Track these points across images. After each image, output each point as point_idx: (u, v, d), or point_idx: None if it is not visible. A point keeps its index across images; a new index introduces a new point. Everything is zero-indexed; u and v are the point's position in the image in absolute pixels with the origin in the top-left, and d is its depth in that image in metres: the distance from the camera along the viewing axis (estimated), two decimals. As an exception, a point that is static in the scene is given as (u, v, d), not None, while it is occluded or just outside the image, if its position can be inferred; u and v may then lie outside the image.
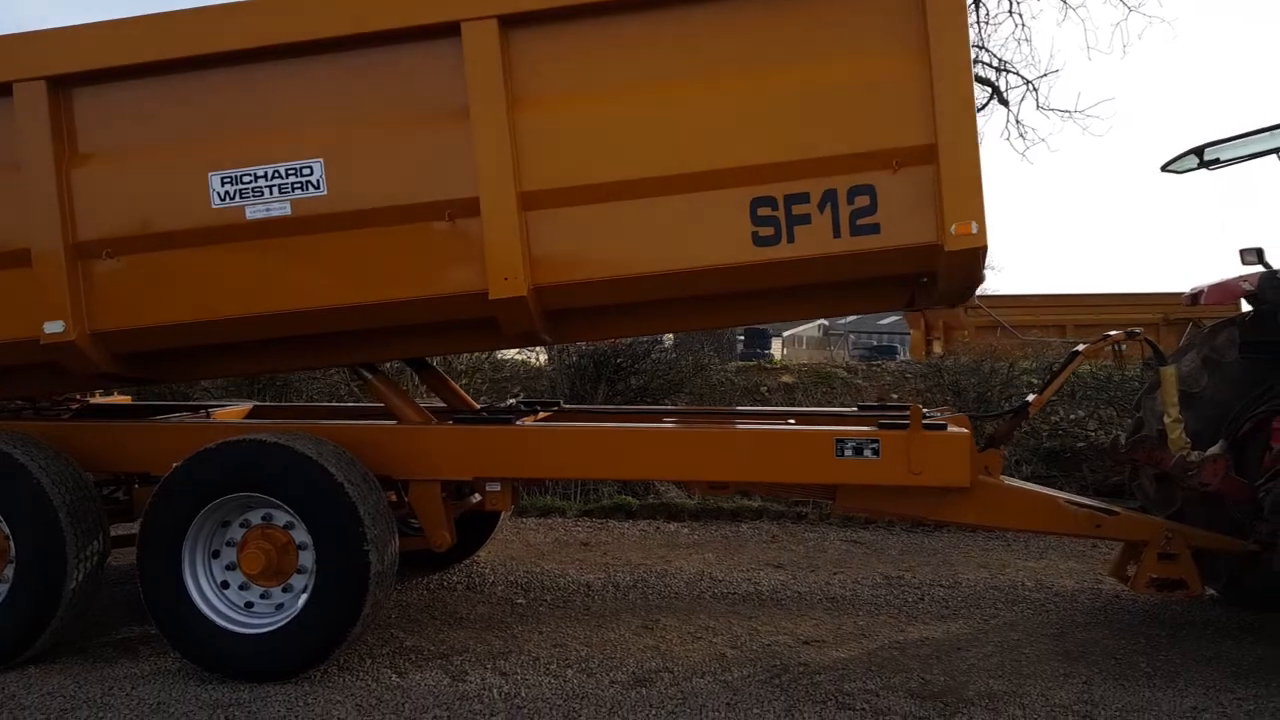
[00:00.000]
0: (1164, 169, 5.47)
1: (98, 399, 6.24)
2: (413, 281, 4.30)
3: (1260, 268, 5.13)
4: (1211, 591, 5.20)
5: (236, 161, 4.31)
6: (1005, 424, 4.99)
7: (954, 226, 3.87)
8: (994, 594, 5.76)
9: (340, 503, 4.27)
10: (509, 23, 4.09)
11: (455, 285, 4.28)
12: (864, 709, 4.00)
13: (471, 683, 4.35)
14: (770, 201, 4.03)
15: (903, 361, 13.93)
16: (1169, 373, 4.75)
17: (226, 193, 4.34)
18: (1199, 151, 5.20)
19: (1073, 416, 9.38)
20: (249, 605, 4.49)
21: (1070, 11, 13.67)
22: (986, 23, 14.45)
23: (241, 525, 4.50)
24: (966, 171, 3.88)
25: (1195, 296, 5.36)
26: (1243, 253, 5.23)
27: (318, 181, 4.27)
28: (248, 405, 6.00)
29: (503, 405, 5.38)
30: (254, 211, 4.31)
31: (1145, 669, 4.49)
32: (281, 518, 4.46)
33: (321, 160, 4.26)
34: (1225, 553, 4.77)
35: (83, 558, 4.57)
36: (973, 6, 14.19)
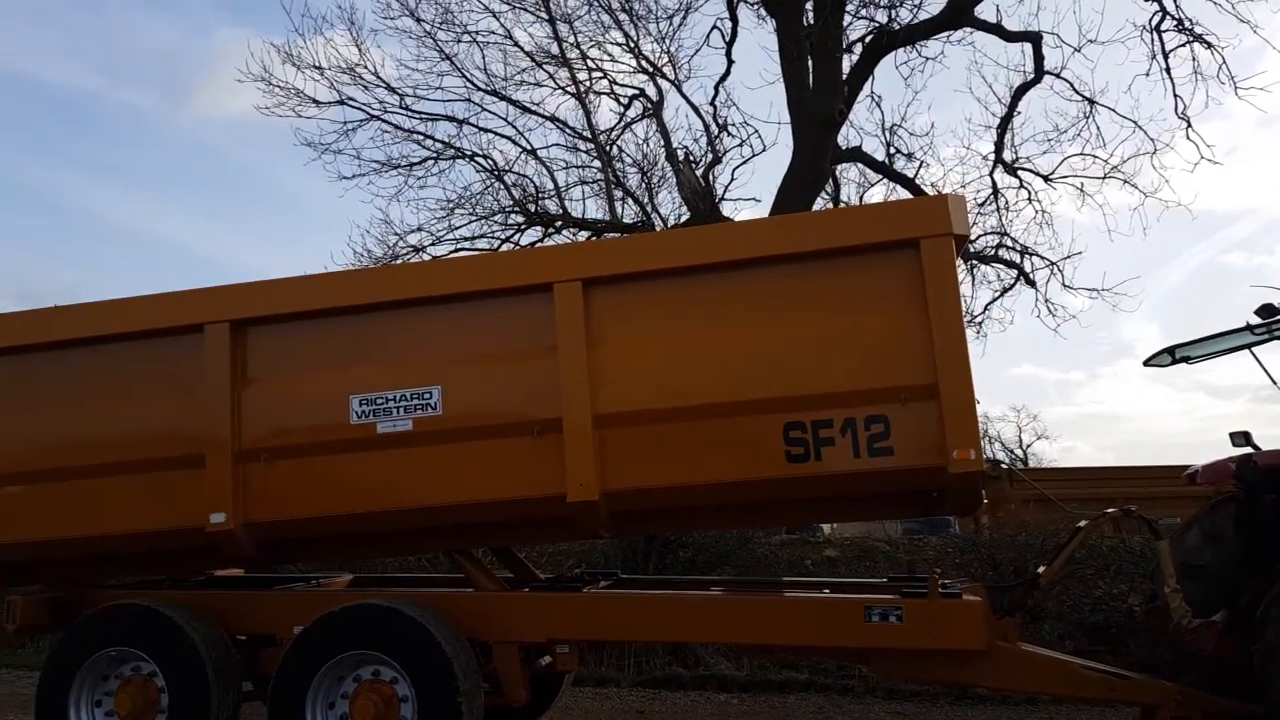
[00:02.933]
0: (1145, 364, 6.30)
1: (218, 572, 7.21)
2: (506, 484, 5.25)
3: (1248, 449, 5.81)
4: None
5: (373, 387, 5.39)
6: (1018, 594, 5.60)
7: (955, 452, 4.71)
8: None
9: (438, 658, 5.08)
10: (590, 283, 5.21)
11: (539, 488, 5.19)
12: None
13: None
14: (800, 425, 4.93)
15: (945, 536, 14.36)
16: (1164, 547, 5.38)
17: (363, 411, 5.41)
18: (1171, 351, 6.03)
19: (1115, 591, 9.70)
20: (358, 752, 5.24)
21: (1087, 198, 14.55)
22: (1008, 209, 15.54)
23: (354, 680, 5.31)
24: (963, 406, 4.76)
25: (1192, 476, 6.03)
26: (1232, 435, 5.95)
27: (435, 404, 5.33)
28: (348, 576, 6.92)
29: (569, 575, 6.20)
30: (384, 427, 5.37)
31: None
32: (388, 673, 5.26)
33: (440, 387, 5.33)
34: (1235, 717, 5.20)
35: (223, 707, 5.40)
36: (992, 196, 15.31)
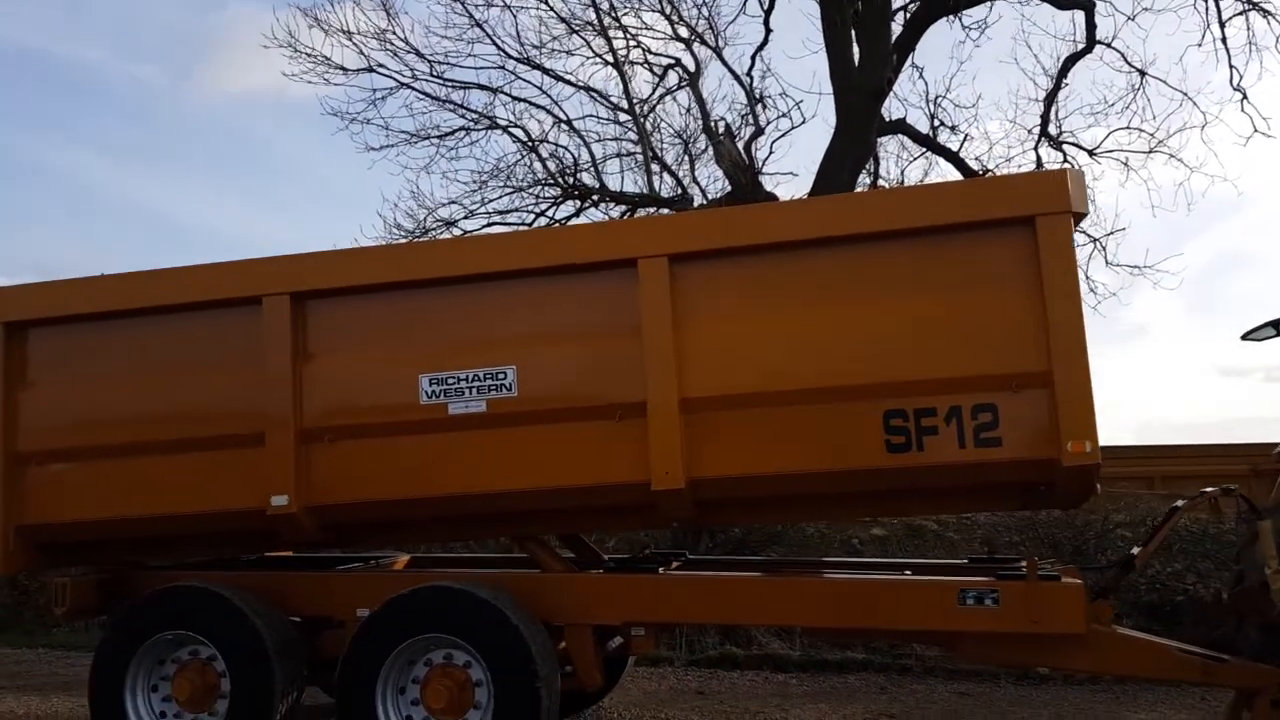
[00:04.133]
0: (1244, 338, 6.03)
1: (270, 553, 6.99)
2: (585, 470, 5.01)
3: None
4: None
5: (443, 366, 5.14)
6: (1112, 575, 5.39)
7: (1069, 444, 4.46)
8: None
9: (515, 642, 4.86)
10: (678, 259, 4.93)
11: (619, 475, 4.95)
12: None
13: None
14: (901, 414, 4.67)
15: (997, 515, 14.15)
16: (1266, 526, 5.15)
17: (433, 391, 5.16)
18: (1276, 324, 5.76)
19: (1170, 570, 9.53)
20: (430, 739, 5.04)
21: (1131, 173, 14.07)
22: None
23: (425, 664, 5.09)
24: (1080, 395, 4.49)
25: None
26: None
27: (510, 385, 5.08)
28: (405, 556, 6.69)
29: (640, 556, 5.97)
30: (455, 408, 5.12)
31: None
32: (461, 657, 5.06)
33: (515, 367, 5.08)
34: None
35: (288, 692, 5.20)
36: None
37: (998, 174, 13.72)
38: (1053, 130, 14.69)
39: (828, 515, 5.53)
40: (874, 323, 4.77)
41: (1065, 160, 14.52)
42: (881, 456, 4.69)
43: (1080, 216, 4.68)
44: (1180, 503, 5.53)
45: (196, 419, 5.42)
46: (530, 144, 14.48)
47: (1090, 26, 13.69)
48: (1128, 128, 14.33)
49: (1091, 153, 14.77)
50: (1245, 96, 13.08)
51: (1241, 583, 5.78)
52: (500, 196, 14.80)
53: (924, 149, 14.90)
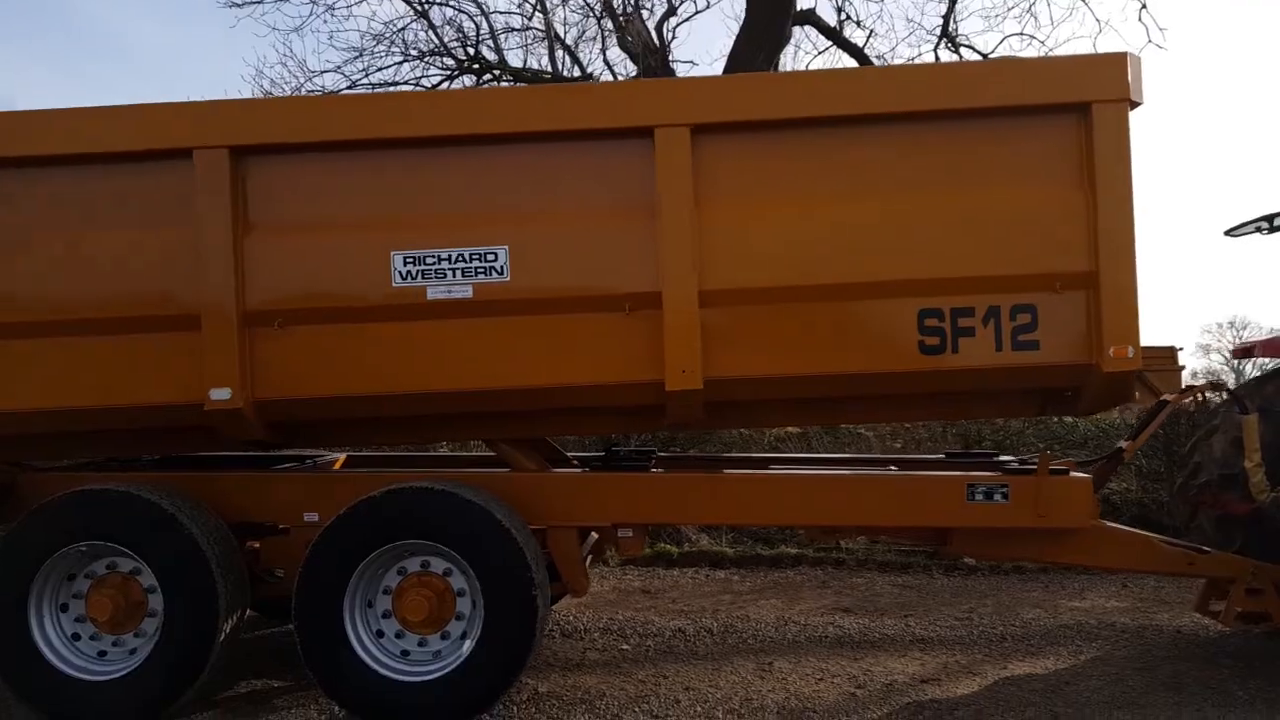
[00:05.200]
0: (1228, 234, 6.02)
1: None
2: (586, 368, 4.49)
3: None
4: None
5: (421, 243, 4.46)
6: (1102, 468, 5.35)
7: (1112, 349, 4.29)
8: (1065, 632, 6.10)
9: (509, 548, 4.37)
10: (701, 130, 4.37)
11: (626, 374, 4.48)
12: (1021, 740, 4.22)
13: (636, 728, 4.44)
14: (937, 313, 4.38)
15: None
16: (1251, 420, 5.19)
17: (409, 272, 4.47)
18: (1261, 220, 5.74)
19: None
20: (405, 654, 4.52)
21: None
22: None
23: (398, 574, 4.53)
24: (1125, 297, 4.32)
25: (1248, 350, 5.85)
26: None
27: (501, 268, 4.45)
28: (341, 456, 6.00)
29: (621, 451, 5.51)
30: (435, 292, 4.46)
31: (1243, 696, 4.87)
32: (439, 565, 4.52)
33: (507, 247, 4.45)
34: None
35: (232, 611, 4.53)
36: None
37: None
38: (952, 31, 14.59)
39: (844, 419, 5.21)
40: (913, 214, 4.41)
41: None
42: (914, 359, 4.41)
43: (1136, 106, 4.39)
44: (1169, 396, 5.51)
45: (117, 296, 4.54)
46: (421, 7, 13.14)
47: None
48: (1020, 34, 14.36)
49: (985, 57, 14.78)
50: (1145, 6, 13.26)
51: (1196, 476, 5.88)
52: (390, 65, 13.47)
53: (830, 43, 14.53)
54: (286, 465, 5.46)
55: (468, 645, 4.44)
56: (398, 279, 4.47)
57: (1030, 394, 4.82)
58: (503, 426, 4.95)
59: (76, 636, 4.64)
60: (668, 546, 8.38)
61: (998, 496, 4.73)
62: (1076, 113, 4.35)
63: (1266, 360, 5.84)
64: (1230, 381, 6.04)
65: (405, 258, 4.47)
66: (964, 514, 4.76)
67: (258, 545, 5.06)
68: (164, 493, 4.59)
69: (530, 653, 4.40)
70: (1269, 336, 5.89)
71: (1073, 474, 4.84)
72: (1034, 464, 5.06)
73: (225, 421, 4.56)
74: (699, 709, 4.70)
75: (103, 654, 4.64)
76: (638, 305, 4.43)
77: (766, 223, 4.44)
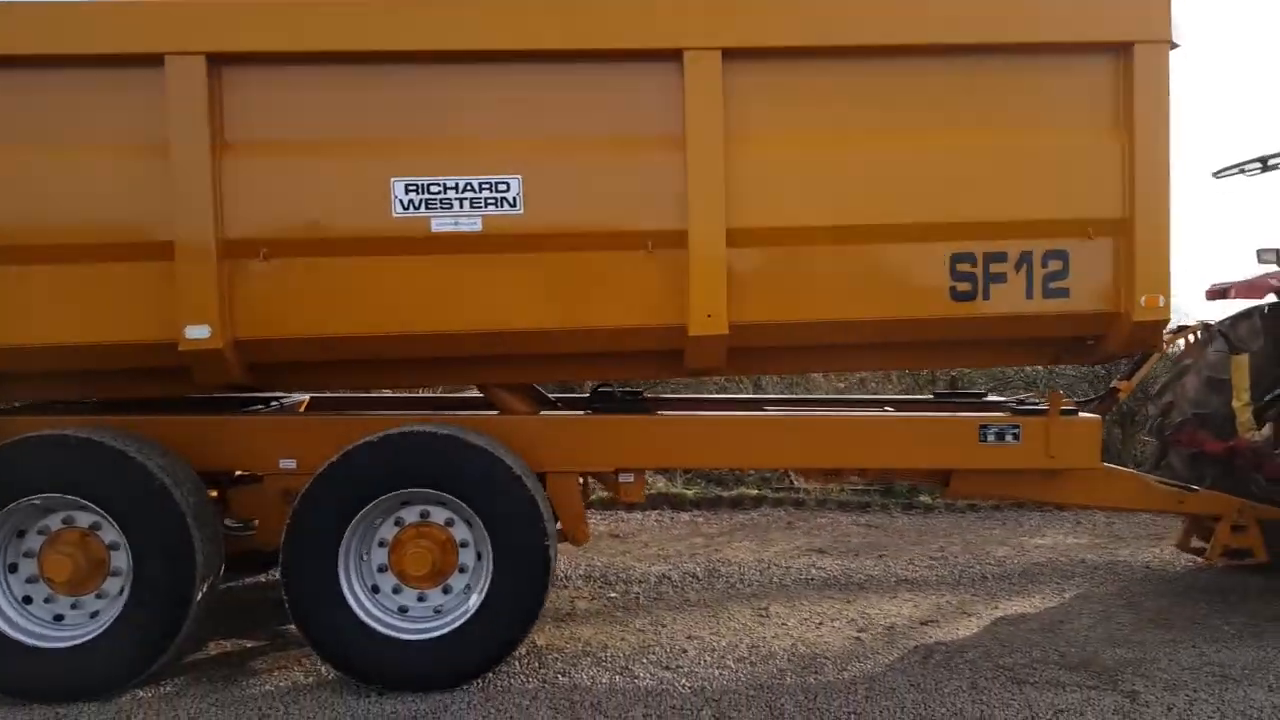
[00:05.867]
0: (1215, 176, 6.05)
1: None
2: (603, 311, 4.21)
3: (1275, 266, 5.79)
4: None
5: (425, 169, 4.06)
6: (1098, 409, 5.35)
7: (1144, 298, 4.24)
8: (1041, 570, 6.20)
9: (521, 495, 4.12)
10: (732, 54, 4.08)
11: (648, 317, 4.21)
12: (1038, 682, 4.28)
13: (646, 680, 4.29)
14: (970, 258, 4.25)
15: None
16: (1241, 361, 5.26)
17: (411, 201, 4.08)
18: (1264, 160, 5.77)
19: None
20: (403, 610, 4.22)
21: None
22: None
23: (395, 524, 4.21)
24: (1158, 247, 4.26)
25: (1223, 291, 5.93)
26: (1261, 252, 5.88)
27: (514, 199, 4.09)
28: (305, 397, 5.56)
29: (616, 392, 5.23)
30: (441, 224, 4.08)
31: (1230, 631, 5.01)
32: (441, 514, 4.23)
33: (520, 177, 4.09)
34: None
35: (210, 571, 4.14)
36: None
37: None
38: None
39: (870, 364, 5.05)
40: (948, 153, 4.24)
41: None
42: (945, 305, 4.29)
43: (1175, 48, 4.30)
44: (1166, 335, 5.54)
45: (79, 221, 4.01)
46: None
47: None
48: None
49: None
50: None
51: (1168, 415, 5.97)
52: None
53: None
54: (254, 409, 5.01)
55: (474, 599, 4.16)
56: (398, 208, 4.07)
57: (1048, 341, 4.73)
58: (506, 371, 4.64)
59: (28, 599, 4.18)
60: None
61: (1009, 438, 4.67)
62: (1117, 53, 4.24)
63: (1242, 301, 5.92)
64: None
65: (407, 185, 4.06)
66: (976, 455, 4.69)
67: (214, 494, 4.63)
68: (130, 438, 4.13)
69: (541, 607, 4.16)
70: (1244, 279, 5.97)
71: (1083, 415, 4.80)
72: (1031, 404, 5.03)
73: (201, 362, 4.12)
74: (708, 658, 4.56)
75: (59, 618, 4.19)
76: (660, 244, 4.15)
77: (798, 159, 4.20)
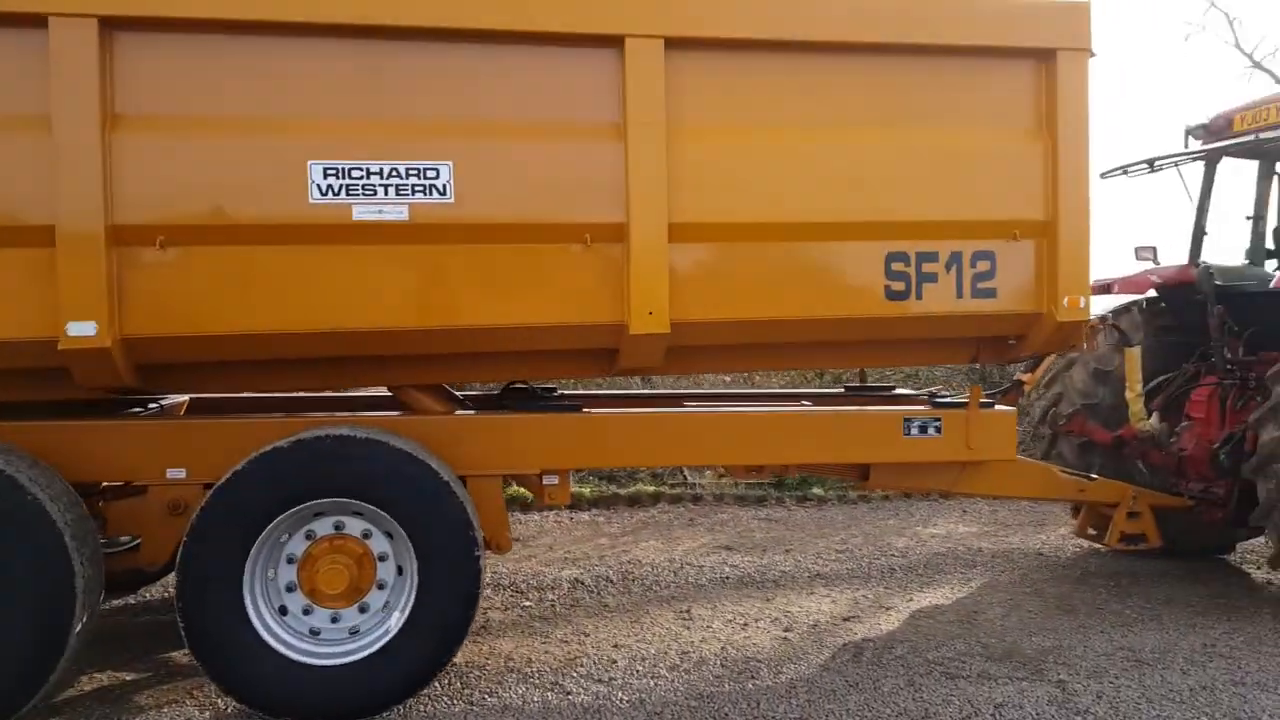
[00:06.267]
0: (1102, 177, 6.28)
1: None
2: (537, 307, 3.95)
3: (1152, 263, 6.10)
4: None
5: (346, 152, 3.70)
6: (1004, 400, 5.45)
7: (1066, 299, 4.31)
8: (943, 560, 6.34)
9: (450, 503, 3.82)
10: (674, 44, 3.91)
11: (585, 314, 3.98)
12: (970, 675, 4.35)
13: (581, 696, 4.10)
14: (904, 257, 4.22)
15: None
16: (1134, 353, 5.46)
17: (329, 186, 3.70)
18: (1151, 161, 6.01)
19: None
20: (315, 633, 3.85)
21: None
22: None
23: (306, 538, 3.83)
24: (1080, 249, 4.35)
25: (1106, 287, 6.18)
26: (1139, 250, 6.16)
27: (444, 187, 3.78)
28: (185, 398, 5.04)
29: (527, 388, 4.95)
30: (363, 212, 3.72)
31: (1130, 615, 5.22)
32: (356, 526, 3.88)
33: (451, 163, 3.77)
34: (1170, 509, 5.55)
35: (90, 595, 3.65)
36: None
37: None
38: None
39: (798, 364, 4.93)
40: (884, 151, 4.20)
41: None
42: (880, 304, 4.25)
43: (1092, 56, 4.40)
44: None
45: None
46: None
47: None
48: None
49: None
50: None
51: (1058, 404, 6.19)
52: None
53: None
54: (134, 412, 4.49)
55: (396, 618, 3.82)
56: (316, 194, 3.68)
57: (972, 341, 4.76)
58: (424, 371, 4.30)
59: None
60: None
61: (931, 430, 4.68)
62: (1040, 59, 4.30)
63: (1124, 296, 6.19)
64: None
65: (326, 169, 3.68)
66: (901, 449, 4.69)
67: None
68: (-5, 450, 3.60)
69: (470, 623, 3.87)
70: (1126, 275, 6.24)
71: (999, 407, 4.87)
72: (945, 397, 5.07)
73: (84, 363, 3.62)
74: (640, 668, 4.39)
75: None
76: (599, 237, 3.94)
77: (740, 153, 4.07)
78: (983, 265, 4.32)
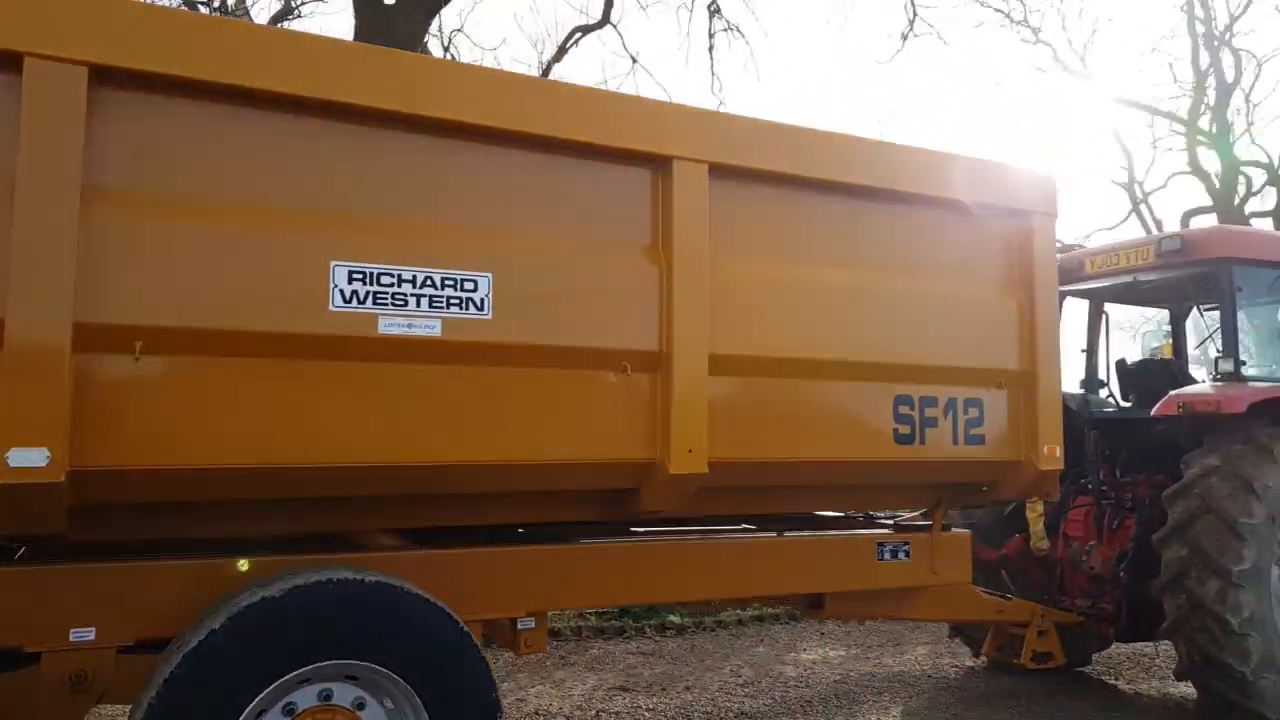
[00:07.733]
0: None
1: None
2: (570, 440, 3.55)
3: None
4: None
5: (374, 254, 3.22)
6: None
7: (1045, 448, 4.50)
8: (849, 689, 6.38)
9: (473, 658, 3.26)
10: (718, 172, 3.83)
11: (614, 450, 3.63)
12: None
13: None
14: (909, 401, 4.27)
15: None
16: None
17: (354, 293, 3.17)
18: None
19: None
20: (290, 834, 3.07)
21: None
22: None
23: (284, 713, 3.08)
24: (1054, 399, 4.61)
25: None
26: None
27: (481, 301, 3.36)
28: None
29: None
30: (390, 325, 3.20)
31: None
32: (347, 694, 3.18)
33: (491, 275, 3.37)
34: (1065, 624, 5.83)
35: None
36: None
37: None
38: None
39: (806, 506, 4.73)
40: (899, 295, 4.29)
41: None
42: (890, 448, 4.24)
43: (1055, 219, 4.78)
44: None
45: None
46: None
47: (607, 6, 13.88)
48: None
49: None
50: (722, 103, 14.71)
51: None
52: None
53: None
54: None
55: (400, 807, 3.13)
56: (338, 300, 3.14)
57: (940, 486, 4.81)
58: (427, 513, 3.71)
59: None
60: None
61: (901, 554, 4.69)
62: (1023, 219, 4.62)
63: None
64: None
65: (351, 272, 3.16)
66: (877, 575, 4.65)
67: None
68: None
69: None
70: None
71: (956, 530, 4.95)
72: (882, 521, 5.11)
73: (21, 500, 2.75)
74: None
75: None
76: (639, 366, 3.65)
77: (772, 286, 4.00)
78: (973, 412, 4.47)
